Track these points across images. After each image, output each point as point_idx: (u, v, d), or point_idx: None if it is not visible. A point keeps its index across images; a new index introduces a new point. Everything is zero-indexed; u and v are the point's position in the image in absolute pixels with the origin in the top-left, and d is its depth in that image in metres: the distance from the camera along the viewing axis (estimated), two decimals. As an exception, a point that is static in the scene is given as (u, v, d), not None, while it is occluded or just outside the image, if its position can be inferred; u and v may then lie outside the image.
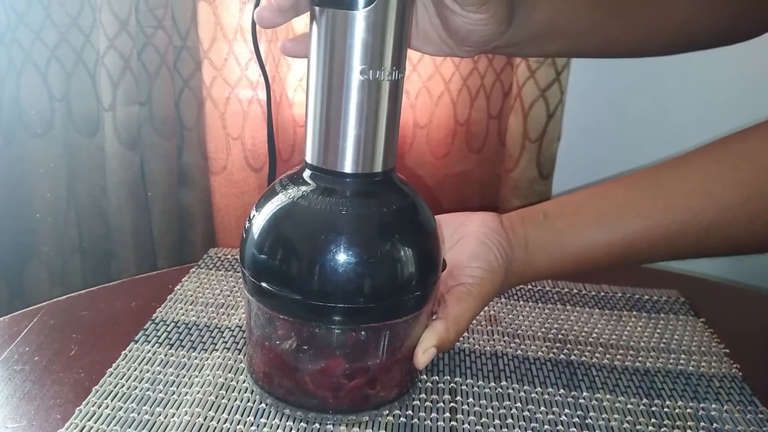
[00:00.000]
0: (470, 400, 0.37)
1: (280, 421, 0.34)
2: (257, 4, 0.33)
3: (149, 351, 0.40)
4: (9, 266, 0.80)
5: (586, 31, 0.40)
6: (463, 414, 0.36)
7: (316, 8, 0.30)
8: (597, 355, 0.42)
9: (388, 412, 0.35)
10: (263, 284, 0.32)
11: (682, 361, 0.42)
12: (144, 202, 0.81)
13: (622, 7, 0.40)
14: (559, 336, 0.44)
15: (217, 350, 0.40)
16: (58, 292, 0.75)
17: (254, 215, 0.33)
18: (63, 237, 0.81)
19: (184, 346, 0.41)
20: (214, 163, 0.83)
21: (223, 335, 0.42)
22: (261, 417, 0.34)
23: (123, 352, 0.40)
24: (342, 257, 0.31)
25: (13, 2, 0.71)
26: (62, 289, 0.82)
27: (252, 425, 0.34)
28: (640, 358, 0.42)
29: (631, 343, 0.44)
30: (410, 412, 0.36)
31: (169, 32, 0.77)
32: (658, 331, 0.46)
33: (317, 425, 0.34)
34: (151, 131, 0.79)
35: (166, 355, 0.40)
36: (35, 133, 0.77)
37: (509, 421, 0.35)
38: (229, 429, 0.33)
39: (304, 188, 0.32)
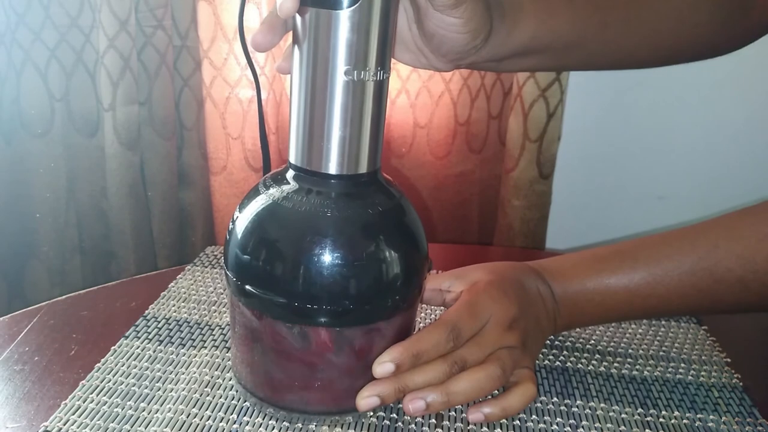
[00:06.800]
0: (458, 406, 0.36)
1: (263, 420, 0.34)
2: (242, 37, 0.34)
3: (138, 347, 0.40)
4: (9, 266, 0.80)
5: (568, 48, 0.39)
6: (449, 421, 0.35)
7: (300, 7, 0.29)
8: (593, 362, 0.41)
9: (372, 413, 0.35)
10: (247, 286, 0.32)
11: (681, 370, 0.41)
12: (144, 202, 0.81)
13: (604, 23, 0.39)
14: (556, 343, 0.43)
15: (206, 347, 0.40)
16: (58, 292, 0.75)
17: (237, 216, 0.33)
18: (63, 237, 0.81)
19: (173, 343, 0.41)
20: (214, 163, 0.83)
21: (213, 333, 0.42)
22: (244, 416, 0.34)
23: (112, 347, 0.40)
24: (327, 259, 0.30)
25: (13, 2, 0.71)
26: (62, 289, 0.82)
27: (234, 423, 0.33)
28: (637, 367, 0.41)
29: (630, 351, 0.43)
30: (395, 415, 0.35)
31: (169, 32, 0.76)
32: (658, 338, 0.45)
33: (300, 425, 0.34)
34: (151, 131, 0.79)
35: (154, 351, 0.39)
36: (35, 133, 0.77)
37: (498, 430, 0.34)
38: (211, 426, 0.33)
39: (288, 189, 0.32)
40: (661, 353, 0.43)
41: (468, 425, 0.34)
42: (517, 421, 0.35)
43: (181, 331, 0.42)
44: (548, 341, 0.43)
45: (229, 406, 0.35)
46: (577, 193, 0.96)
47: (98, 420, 0.33)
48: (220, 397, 0.36)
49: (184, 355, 0.39)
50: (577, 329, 0.45)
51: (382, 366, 0.32)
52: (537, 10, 0.36)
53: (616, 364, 0.41)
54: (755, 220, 0.37)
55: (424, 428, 0.34)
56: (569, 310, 0.40)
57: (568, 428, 0.35)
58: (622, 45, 0.41)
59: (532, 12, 0.36)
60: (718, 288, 0.37)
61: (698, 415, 0.36)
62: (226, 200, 0.84)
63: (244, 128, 0.82)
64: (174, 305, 0.46)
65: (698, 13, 0.41)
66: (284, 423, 0.34)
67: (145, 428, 0.33)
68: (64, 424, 0.33)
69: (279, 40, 0.32)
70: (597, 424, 0.35)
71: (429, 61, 0.36)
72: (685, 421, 0.36)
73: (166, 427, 0.33)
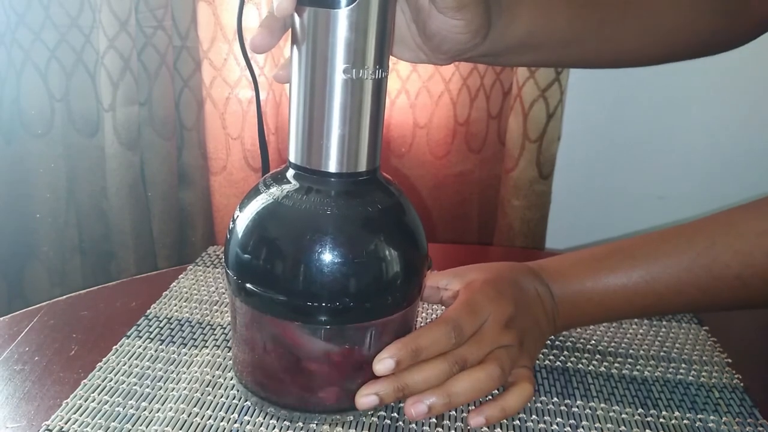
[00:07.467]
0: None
1: (264, 419, 0.34)
2: (241, 39, 0.34)
3: (140, 346, 0.40)
4: (9, 266, 0.80)
5: (565, 44, 0.39)
6: (449, 420, 0.35)
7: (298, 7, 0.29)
8: (594, 362, 0.41)
9: (372, 412, 0.35)
10: (248, 285, 0.32)
11: (681, 371, 0.41)
12: (144, 202, 0.81)
13: (602, 20, 0.39)
14: (557, 343, 0.43)
15: (207, 347, 0.40)
16: (58, 292, 0.75)
17: (238, 215, 0.33)
18: (63, 237, 0.81)
19: (174, 342, 0.40)
20: (214, 163, 0.83)
21: (215, 332, 0.42)
22: (245, 415, 0.34)
23: (114, 347, 0.40)
24: (327, 257, 0.30)
25: (13, 2, 0.71)
26: (62, 289, 0.82)
27: (235, 422, 0.33)
28: (638, 367, 0.41)
29: (630, 351, 0.43)
30: (395, 414, 0.35)
31: (169, 32, 0.77)
32: (659, 339, 0.44)
33: (300, 424, 0.34)
34: (151, 131, 0.79)
35: (156, 351, 0.39)
36: (35, 133, 0.77)
37: (498, 430, 0.34)
38: (212, 426, 0.33)
39: (288, 188, 0.32)
40: (661, 354, 0.43)
41: (468, 426, 0.34)
42: (517, 421, 0.35)
43: (183, 331, 0.42)
44: (548, 341, 0.43)
45: (230, 406, 0.35)
46: (577, 193, 0.96)
47: (99, 419, 0.33)
48: (221, 397, 0.35)
49: (185, 354, 0.39)
50: (577, 329, 0.45)
51: (383, 362, 0.32)
52: (534, 6, 0.36)
53: (616, 365, 0.41)
54: (753, 215, 0.37)
55: (424, 428, 0.34)
56: (568, 310, 0.40)
57: (568, 428, 0.35)
58: (620, 43, 0.41)
59: (529, 8, 0.36)
60: (717, 285, 0.37)
61: (699, 416, 0.36)
62: (226, 200, 0.84)
63: (244, 128, 0.82)
64: (176, 305, 0.45)
65: (698, 12, 0.41)
66: (285, 422, 0.34)
67: (146, 427, 0.33)
68: (66, 423, 0.33)
69: (277, 42, 0.32)
70: (597, 425, 0.35)
71: (428, 57, 0.37)
72: (685, 421, 0.36)
73: (167, 426, 0.33)
